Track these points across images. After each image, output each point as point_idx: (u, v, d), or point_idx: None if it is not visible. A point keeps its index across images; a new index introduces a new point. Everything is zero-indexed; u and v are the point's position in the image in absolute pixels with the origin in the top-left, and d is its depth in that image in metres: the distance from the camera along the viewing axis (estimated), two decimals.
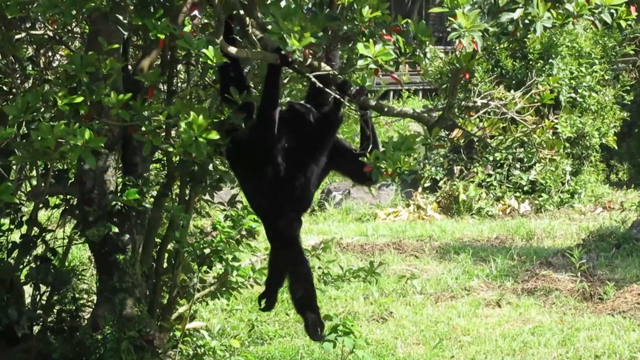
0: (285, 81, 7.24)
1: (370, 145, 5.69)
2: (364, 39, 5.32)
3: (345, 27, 5.35)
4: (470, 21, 5.09)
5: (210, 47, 4.98)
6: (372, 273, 8.05)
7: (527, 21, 5.31)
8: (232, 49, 5.48)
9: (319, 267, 8.19)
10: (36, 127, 5.08)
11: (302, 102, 6.23)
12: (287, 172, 5.90)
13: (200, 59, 5.09)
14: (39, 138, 5.00)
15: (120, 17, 5.45)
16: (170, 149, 5.68)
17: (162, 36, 5.07)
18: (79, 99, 5.21)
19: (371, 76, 5.87)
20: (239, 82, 5.86)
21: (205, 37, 5.24)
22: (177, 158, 6.93)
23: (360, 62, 5.22)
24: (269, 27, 5.12)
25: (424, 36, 5.40)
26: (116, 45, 5.88)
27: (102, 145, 5.15)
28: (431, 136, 5.48)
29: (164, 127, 5.53)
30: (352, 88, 5.69)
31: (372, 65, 5.22)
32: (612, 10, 5.42)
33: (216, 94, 6.63)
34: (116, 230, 6.62)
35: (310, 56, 5.31)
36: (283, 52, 5.15)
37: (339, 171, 6.43)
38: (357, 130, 6.36)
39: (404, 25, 5.43)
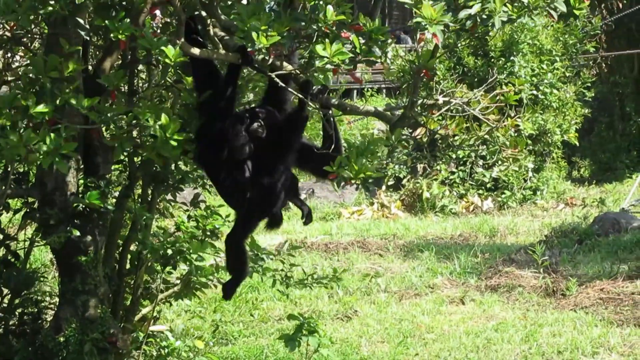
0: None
1: (333, 144, 5.73)
2: (325, 40, 5.35)
3: (309, 28, 5.37)
4: (436, 13, 5.14)
5: (170, 46, 4.98)
6: (335, 280, 8.07)
7: (484, 16, 5.37)
8: (195, 50, 5.48)
9: (282, 270, 8.20)
10: (5, 134, 5.06)
11: (262, 103, 6.27)
12: (255, 174, 5.95)
13: (161, 60, 5.09)
14: (8, 146, 4.99)
15: (80, 20, 5.42)
16: (141, 151, 5.67)
17: (123, 37, 5.06)
18: (48, 109, 5.19)
19: (331, 76, 5.90)
20: (211, 78, 5.86)
21: (166, 37, 5.23)
22: (139, 159, 6.91)
23: (318, 63, 5.26)
24: (235, 24, 5.14)
25: (379, 35, 5.44)
26: (78, 48, 5.86)
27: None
28: (393, 137, 5.52)
29: (127, 129, 5.52)
30: (313, 87, 5.72)
31: (329, 65, 5.26)
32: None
33: (178, 95, 6.62)
34: (78, 233, 6.58)
35: (274, 55, 5.33)
36: (247, 51, 5.18)
37: (303, 169, 6.46)
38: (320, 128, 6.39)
39: (363, 25, 5.46)
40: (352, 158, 5.10)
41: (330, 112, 5.95)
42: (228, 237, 6.39)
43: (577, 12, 5.58)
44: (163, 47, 4.98)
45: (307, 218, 6.51)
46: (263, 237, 11.24)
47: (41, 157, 5.04)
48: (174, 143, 5.17)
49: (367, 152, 5.11)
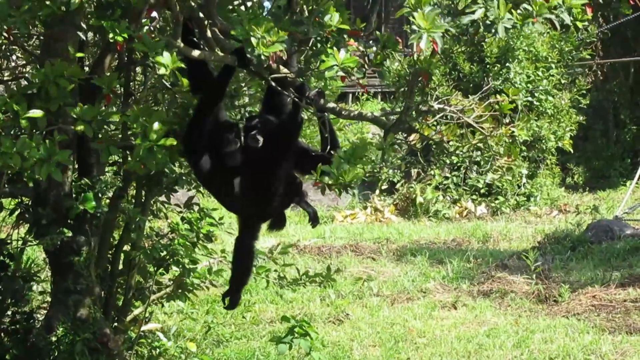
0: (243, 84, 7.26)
1: (329, 147, 5.75)
2: (327, 45, 5.36)
3: (310, 33, 5.38)
4: (429, 22, 5.11)
5: (166, 54, 4.97)
6: (329, 279, 8.07)
7: (487, 22, 5.34)
8: (194, 52, 5.49)
9: (275, 271, 8.20)
10: None
11: (261, 107, 6.28)
12: (251, 179, 5.96)
13: (157, 67, 5.09)
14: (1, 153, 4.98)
15: (77, 20, 5.43)
16: (126, 165, 5.64)
17: (120, 39, 5.07)
18: (39, 114, 5.19)
19: (338, 84, 5.92)
20: (206, 82, 5.87)
21: (164, 38, 5.24)
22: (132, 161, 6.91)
23: (328, 73, 5.26)
24: (233, 30, 5.14)
25: (392, 46, 5.45)
26: (80, 54, 5.86)
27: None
28: (385, 141, 5.53)
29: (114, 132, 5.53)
30: (309, 91, 5.73)
31: (340, 73, 5.26)
32: (570, 10, 5.49)
33: (173, 97, 6.63)
34: (70, 234, 6.58)
35: (273, 61, 5.34)
36: (244, 53, 5.19)
37: (300, 173, 6.47)
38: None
39: (372, 35, 5.49)
40: (335, 164, 5.09)
41: (326, 115, 5.96)
42: (236, 240, 6.41)
43: (579, 24, 5.56)
44: (158, 58, 4.96)
45: (314, 220, 6.51)
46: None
47: (35, 165, 5.03)
48: (159, 154, 5.16)
49: (353, 158, 5.09)
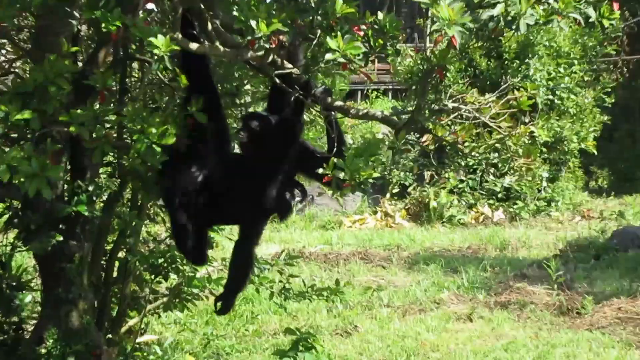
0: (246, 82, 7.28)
1: (335, 149, 5.76)
2: (332, 33, 5.35)
3: (315, 20, 5.38)
4: (456, 13, 5.10)
5: (160, 36, 4.97)
6: (337, 292, 8.07)
7: (509, 18, 5.32)
8: (193, 45, 5.49)
9: (280, 281, 8.21)
10: None
11: (263, 108, 6.27)
12: (253, 181, 5.97)
13: (153, 52, 5.08)
14: None
15: (71, 10, 5.44)
16: (125, 162, 5.64)
17: (113, 28, 5.07)
18: (29, 114, 5.20)
19: (343, 76, 5.90)
20: (204, 83, 5.87)
21: (159, 27, 5.24)
22: (128, 161, 6.92)
23: (328, 56, 5.25)
24: (235, 14, 5.14)
25: (393, 29, 5.43)
26: (75, 49, 5.87)
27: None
28: (397, 139, 5.53)
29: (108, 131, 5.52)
30: (315, 88, 5.73)
31: (341, 59, 5.26)
32: (596, 6, 5.47)
33: (172, 94, 6.64)
34: (61, 238, 6.59)
35: (275, 44, 5.33)
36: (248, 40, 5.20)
37: (305, 175, 6.47)
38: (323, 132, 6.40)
39: (373, 21, 5.47)
40: (349, 159, 5.10)
41: (333, 114, 5.96)
42: (235, 243, 6.40)
43: (605, 23, 5.55)
44: (152, 39, 4.96)
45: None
46: (259, 247, 11.25)
47: (25, 180, 5.04)
48: (158, 148, 5.17)
49: (365, 154, 5.10)
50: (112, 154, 6.58)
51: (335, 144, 5.86)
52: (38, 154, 5.07)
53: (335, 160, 5.15)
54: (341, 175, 5.10)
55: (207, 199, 5.97)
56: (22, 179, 5.03)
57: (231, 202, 6.04)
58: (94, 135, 5.37)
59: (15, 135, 5.89)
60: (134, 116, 5.26)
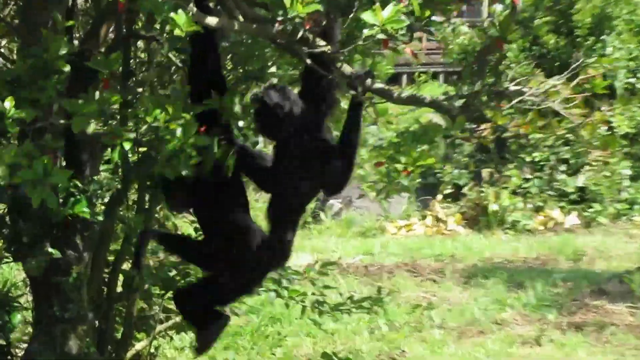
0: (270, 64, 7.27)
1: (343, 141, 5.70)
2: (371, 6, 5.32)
3: None
4: None
5: (180, 12, 4.92)
6: (380, 302, 8.06)
7: None
8: (211, 19, 5.40)
9: (313, 294, 8.20)
10: None
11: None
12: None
13: (165, 31, 5.07)
14: None
15: None
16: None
17: None
18: (26, 112, 5.21)
19: (382, 57, 5.86)
20: (213, 68, 5.85)
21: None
22: (135, 157, 6.93)
23: (366, 32, 5.22)
24: None
25: None
26: (71, 22, 5.89)
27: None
28: (454, 126, 5.48)
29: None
30: (354, 72, 5.67)
31: (381, 35, 5.22)
32: None
33: (184, 79, 6.65)
34: (59, 254, 6.60)
35: (310, 26, 5.31)
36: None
37: None
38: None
39: None
40: (407, 143, 5.06)
41: (361, 101, 5.84)
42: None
43: None
44: (173, 14, 4.91)
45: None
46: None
47: (27, 186, 5.04)
48: (190, 150, 5.18)
49: (424, 139, 5.07)
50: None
51: (344, 135, 5.76)
52: (38, 154, 5.08)
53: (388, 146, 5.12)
54: (402, 161, 5.06)
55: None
56: (20, 180, 5.04)
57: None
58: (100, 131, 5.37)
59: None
60: (149, 105, 5.24)
